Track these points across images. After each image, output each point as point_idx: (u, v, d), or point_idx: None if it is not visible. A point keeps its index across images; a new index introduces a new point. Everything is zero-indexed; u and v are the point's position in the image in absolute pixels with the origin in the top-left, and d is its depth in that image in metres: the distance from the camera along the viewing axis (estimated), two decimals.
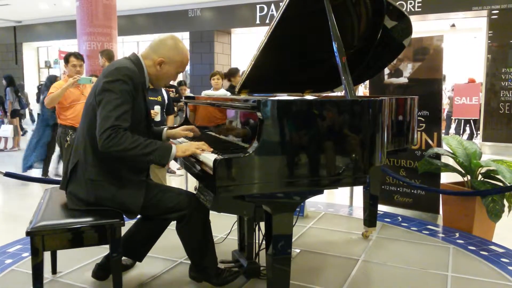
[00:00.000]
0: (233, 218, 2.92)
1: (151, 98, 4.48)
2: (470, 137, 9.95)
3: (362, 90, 9.59)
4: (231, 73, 6.32)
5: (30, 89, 16.27)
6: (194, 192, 2.28)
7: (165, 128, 2.57)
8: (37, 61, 16.88)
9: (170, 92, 6.25)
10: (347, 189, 4.70)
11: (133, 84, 2.10)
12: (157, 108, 4.35)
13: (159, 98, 4.51)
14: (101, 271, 2.58)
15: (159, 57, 2.20)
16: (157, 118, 4.31)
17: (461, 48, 11.89)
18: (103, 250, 2.69)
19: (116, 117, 2.00)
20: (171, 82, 6.63)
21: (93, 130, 2.07)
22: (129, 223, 2.58)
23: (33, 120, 11.28)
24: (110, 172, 2.16)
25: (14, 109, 9.34)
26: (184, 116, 3.12)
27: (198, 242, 2.35)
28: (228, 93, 5.55)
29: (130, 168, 2.22)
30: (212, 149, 2.15)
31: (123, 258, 2.62)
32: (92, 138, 2.10)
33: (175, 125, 3.19)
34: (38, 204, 2.37)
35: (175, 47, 2.23)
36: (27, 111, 13.09)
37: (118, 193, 2.15)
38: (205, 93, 5.71)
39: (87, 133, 2.16)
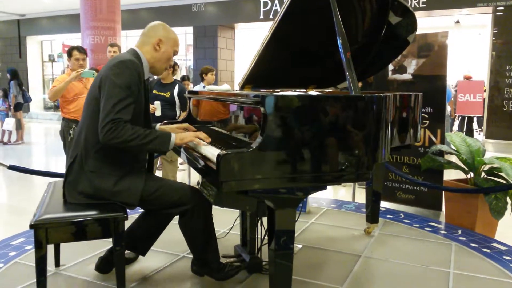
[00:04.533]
0: (236, 213, 2.93)
1: (159, 93, 4.47)
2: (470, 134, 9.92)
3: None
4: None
5: (34, 82, 16.34)
6: (197, 187, 2.29)
7: (158, 124, 2.60)
8: (41, 54, 16.88)
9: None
10: (349, 185, 4.70)
11: (138, 75, 2.15)
12: (156, 104, 4.36)
13: (167, 94, 4.49)
14: (104, 264, 2.59)
15: (155, 38, 2.28)
16: (157, 113, 4.32)
17: (465, 45, 11.82)
18: (106, 244, 2.70)
19: (118, 111, 2.03)
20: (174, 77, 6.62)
21: (96, 123, 2.11)
22: (132, 217, 2.59)
23: None
24: (111, 163, 2.18)
25: (18, 103, 9.36)
26: (187, 111, 3.12)
27: (200, 237, 2.36)
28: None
29: (130, 158, 2.24)
30: (210, 139, 2.20)
31: (126, 251, 2.64)
32: (95, 131, 2.12)
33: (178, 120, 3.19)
34: (41, 197, 2.38)
35: (167, 28, 2.35)
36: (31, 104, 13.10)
37: (118, 183, 2.16)
38: (209, 88, 5.70)
39: (90, 126, 2.17)
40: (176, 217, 2.36)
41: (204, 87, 5.83)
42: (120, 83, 2.07)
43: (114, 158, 2.18)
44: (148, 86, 2.37)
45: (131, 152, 2.22)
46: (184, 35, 13.75)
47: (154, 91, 4.46)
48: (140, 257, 2.82)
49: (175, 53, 2.38)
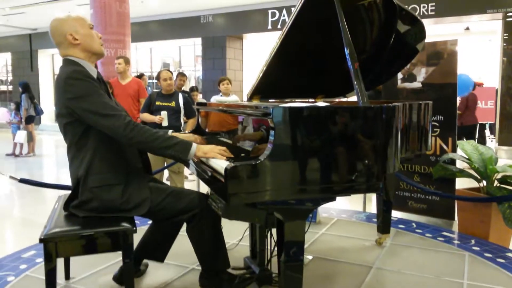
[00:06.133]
0: (245, 224, 2.91)
1: (163, 103, 4.52)
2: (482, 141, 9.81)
3: None
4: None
5: (45, 95, 16.55)
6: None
7: (170, 131, 2.56)
8: (52, 67, 17.11)
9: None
10: (360, 195, 4.66)
11: (89, 77, 2.09)
12: (163, 113, 4.41)
13: (172, 104, 4.55)
14: (122, 276, 2.58)
15: (66, 36, 2.15)
16: (164, 123, 4.36)
17: (476, 52, 11.75)
18: (116, 256, 2.70)
19: (112, 109, 2.03)
20: (183, 88, 6.67)
21: (81, 144, 2.12)
22: (141, 230, 2.59)
23: None
24: (111, 172, 2.16)
25: (29, 115, 9.47)
26: (196, 122, 3.13)
27: (209, 244, 2.34)
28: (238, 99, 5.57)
29: (127, 161, 2.23)
30: (232, 156, 2.13)
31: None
32: (84, 150, 2.12)
33: (186, 132, 3.19)
34: (51, 211, 2.39)
35: (59, 20, 2.17)
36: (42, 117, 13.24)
37: (125, 192, 2.15)
38: (217, 99, 5.72)
39: (76, 149, 2.15)
40: (185, 226, 2.35)
41: (221, 95, 5.87)
42: (85, 93, 2.02)
43: (112, 166, 2.16)
44: (104, 80, 2.30)
45: (125, 156, 2.22)
46: (193, 46, 13.86)
47: (158, 103, 4.53)
48: (149, 269, 2.82)
49: (91, 26, 2.22)
